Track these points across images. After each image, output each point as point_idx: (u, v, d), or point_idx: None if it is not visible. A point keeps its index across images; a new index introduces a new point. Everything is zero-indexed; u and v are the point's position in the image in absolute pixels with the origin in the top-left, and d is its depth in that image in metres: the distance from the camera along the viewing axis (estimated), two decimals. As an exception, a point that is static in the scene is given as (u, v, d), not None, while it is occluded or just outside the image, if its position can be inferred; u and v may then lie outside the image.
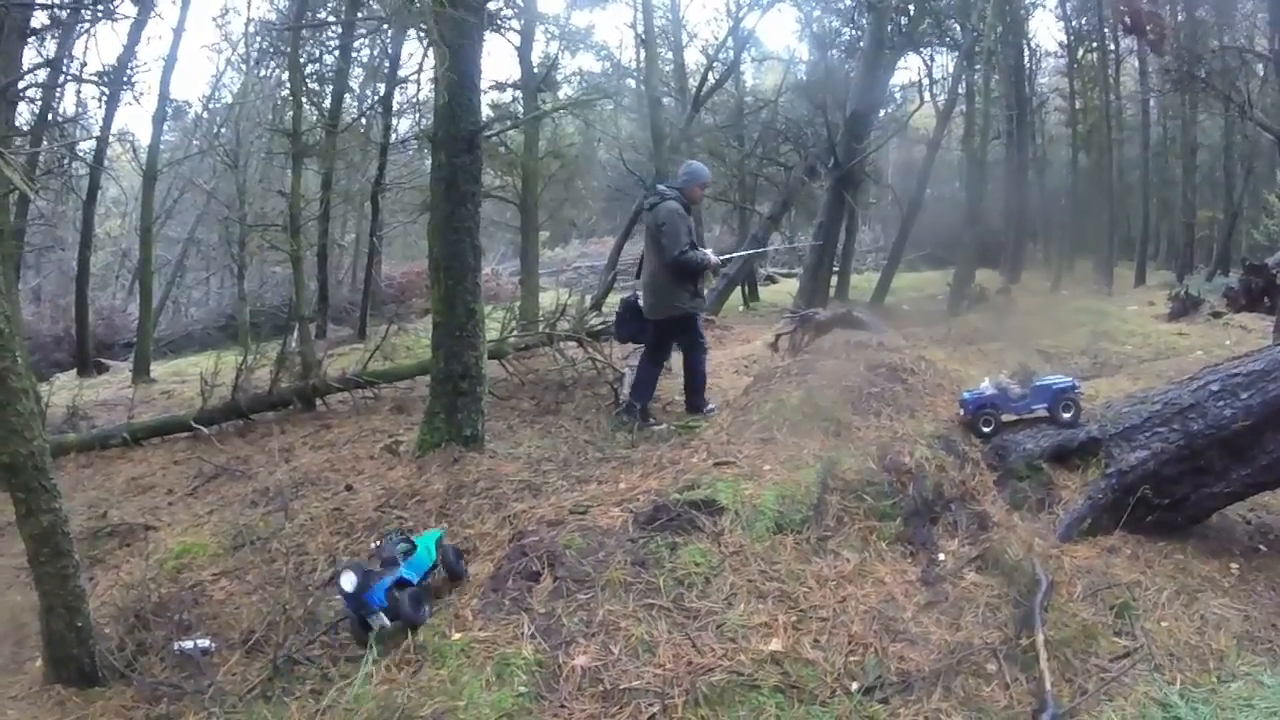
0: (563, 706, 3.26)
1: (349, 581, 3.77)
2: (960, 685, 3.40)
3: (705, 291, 6.90)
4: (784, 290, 19.87)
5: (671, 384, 7.55)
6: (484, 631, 3.67)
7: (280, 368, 8.84)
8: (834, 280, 16.87)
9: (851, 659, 3.49)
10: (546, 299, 12.95)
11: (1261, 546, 4.69)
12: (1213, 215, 20.27)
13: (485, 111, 8.94)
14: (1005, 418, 5.03)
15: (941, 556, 4.25)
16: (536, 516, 4.47)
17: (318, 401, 8.75)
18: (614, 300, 16.94)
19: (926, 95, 21.41)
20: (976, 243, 16.84)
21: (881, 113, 18.96)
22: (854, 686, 3.35)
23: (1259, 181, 18.96)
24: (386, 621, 3.81)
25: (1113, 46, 20.03)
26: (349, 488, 5.78)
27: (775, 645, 3.48)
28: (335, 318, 18.75)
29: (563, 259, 28.75)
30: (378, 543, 4.28)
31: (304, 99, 12.44)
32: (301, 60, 13.71)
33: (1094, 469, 4.69)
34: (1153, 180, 21.37)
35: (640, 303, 6.86)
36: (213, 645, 4.15)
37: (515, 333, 9.35)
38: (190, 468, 7.19)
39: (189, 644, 4.14)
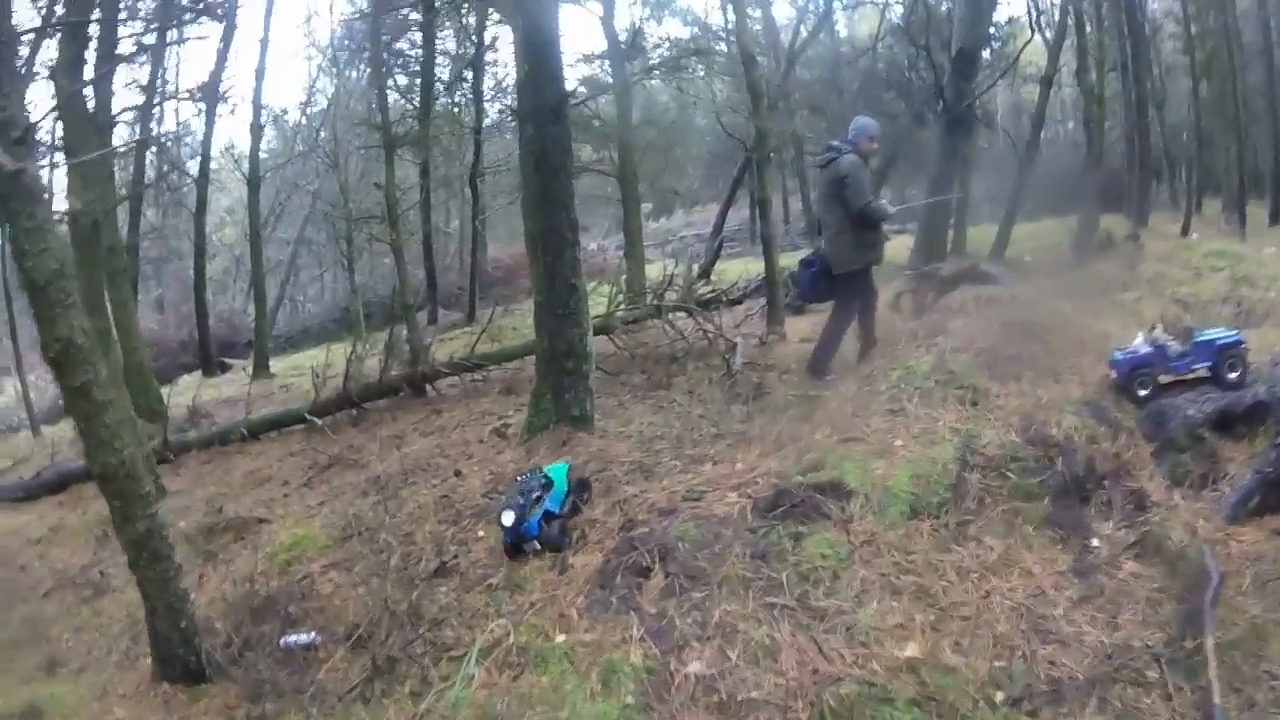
0: (673, 719, 3.00)
1: (509, 518, 4.23)
2: (1118, 695, 3.01)
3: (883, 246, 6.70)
4: (898, 246, 18.95)
5: (788, 350, 7.19)
6: (589, 634, 3.44)
7: (389, 356, 8.87)
8: (950, 235, 16.05)
9: (997, 664, 3.13)
10: (653, 271, 12.68)
11: None
12: None
13: (572, 84, 8.70)
14: (1163, 379, 4.56)
15: (1095, 542, 3.83)
16: (648, 503, 4.24)
17: (428, 387, 8.76)
18: (722, 267, 16.84)
19: (1034, 28, 19.99)
20: (1098, 186, 15.67)
21: (988, 51, 17.86)
22: (999, 697, 2.99)
23: None
24: (539, 547, 4.24)
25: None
26: (457, 473, 5.69)
27: (911, 650, 3.15)
28: (445, 303, 18.88)
29: (668, 229, 28.39)
30: (520, 477, 4.65)
31: (391, 90, 12.43)
32: (385, 55, 13.74)
33: (1262, 437, 4.17)
34: None
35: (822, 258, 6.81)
36: (318, 639, 4.10)
37: (622, 306, 9.15)
38: (305, 459, 7.23)
39: (295, 639, 4.10)
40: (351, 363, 8.66)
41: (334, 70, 19.70)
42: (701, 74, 20.50)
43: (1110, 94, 18.01)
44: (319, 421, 8.15)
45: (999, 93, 20.79)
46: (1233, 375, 4.40)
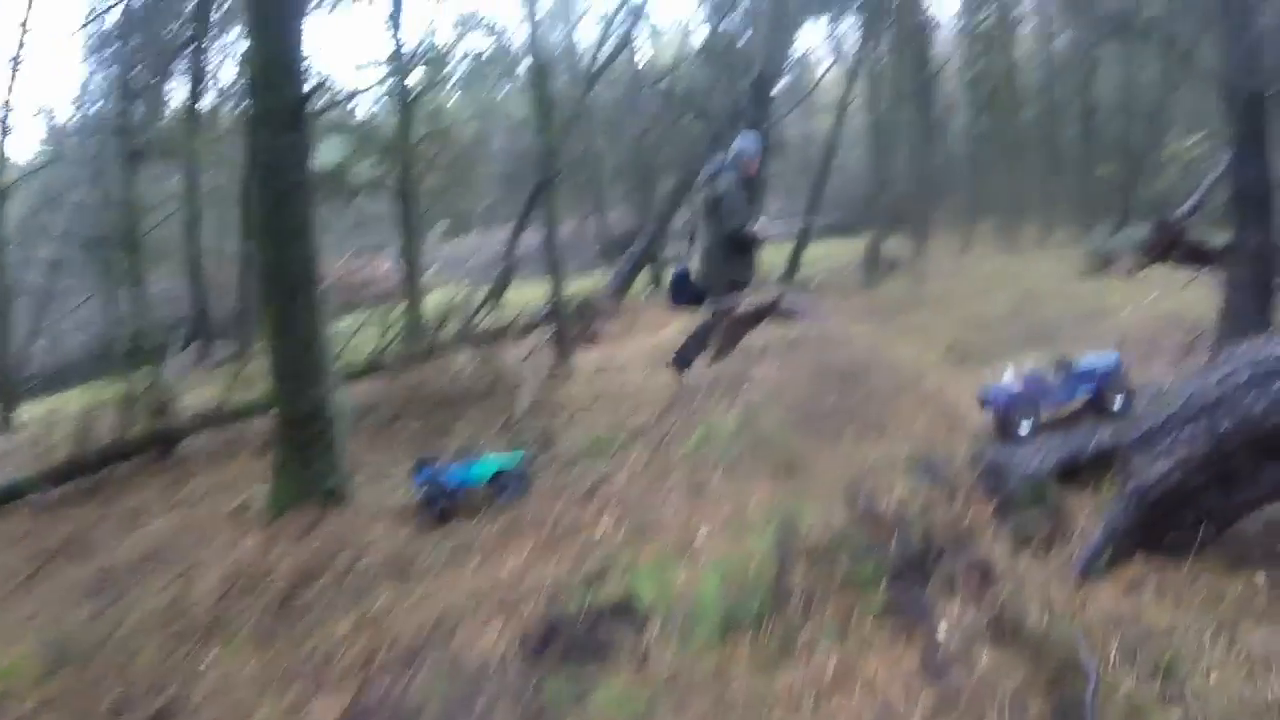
0: None
1: None
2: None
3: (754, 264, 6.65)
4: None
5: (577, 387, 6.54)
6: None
7: (131, 409, 7.56)
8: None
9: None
10: (443, 297, 11.66)
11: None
12: (1113, 169, 20.19)
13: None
14: (1044, 413, 4.14)
15: (943, 629, 3.18)
16: (393, 633, 3.22)
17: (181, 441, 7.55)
18: (519, 292, 15.93)
19: (830, 60, 20.70)
20: (885, 209, 16.19)
21: (784, 81, 18.17)
22: None
23: (1158, 136, 18.85)
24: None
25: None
26: (193, 567, 4.67)
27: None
28: (223, 333, 16.86)
29: (465, 250, 27.20)
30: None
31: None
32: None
33: (1109, 486, 3.75)
34: (1057, 139, 21.25)
35: (691, 272, 6.77)
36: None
37: (397, 343, 8.12)
38: (30, 545, 6.02)
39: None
40: (89, 419, 7.39)
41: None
42: (502, 90, 19.76)
43: (898, 124, 18.88)
44: (55, 491, 6.85)
45: (792, 120, 21.28)
46: (1118, 402, 4.07)
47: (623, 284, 15.24)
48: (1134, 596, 3.47)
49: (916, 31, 17.69)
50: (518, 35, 20.04)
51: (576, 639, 2.88)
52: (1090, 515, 3.68)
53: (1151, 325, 8.58)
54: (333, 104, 11.14)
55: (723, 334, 5.89)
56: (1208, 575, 3.61)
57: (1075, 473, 3.80)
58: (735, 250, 6.32)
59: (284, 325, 4.71)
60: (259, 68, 4.75)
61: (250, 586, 4.19)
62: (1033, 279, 12.33)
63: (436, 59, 14.59)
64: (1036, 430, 4.05)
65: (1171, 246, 12.06)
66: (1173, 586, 3.54)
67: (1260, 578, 3.65)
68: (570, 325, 9.57)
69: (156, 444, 7.42)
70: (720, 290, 6.32)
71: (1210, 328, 7.45)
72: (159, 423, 7.51)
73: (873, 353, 4.66)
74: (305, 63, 5.20)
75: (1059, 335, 8.55)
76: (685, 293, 6.94)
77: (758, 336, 5.11)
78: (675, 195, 16.30)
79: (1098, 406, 4.08)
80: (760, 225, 6.46)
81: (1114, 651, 3.15)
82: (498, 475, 4.68)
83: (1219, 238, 10.37)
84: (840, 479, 3.62)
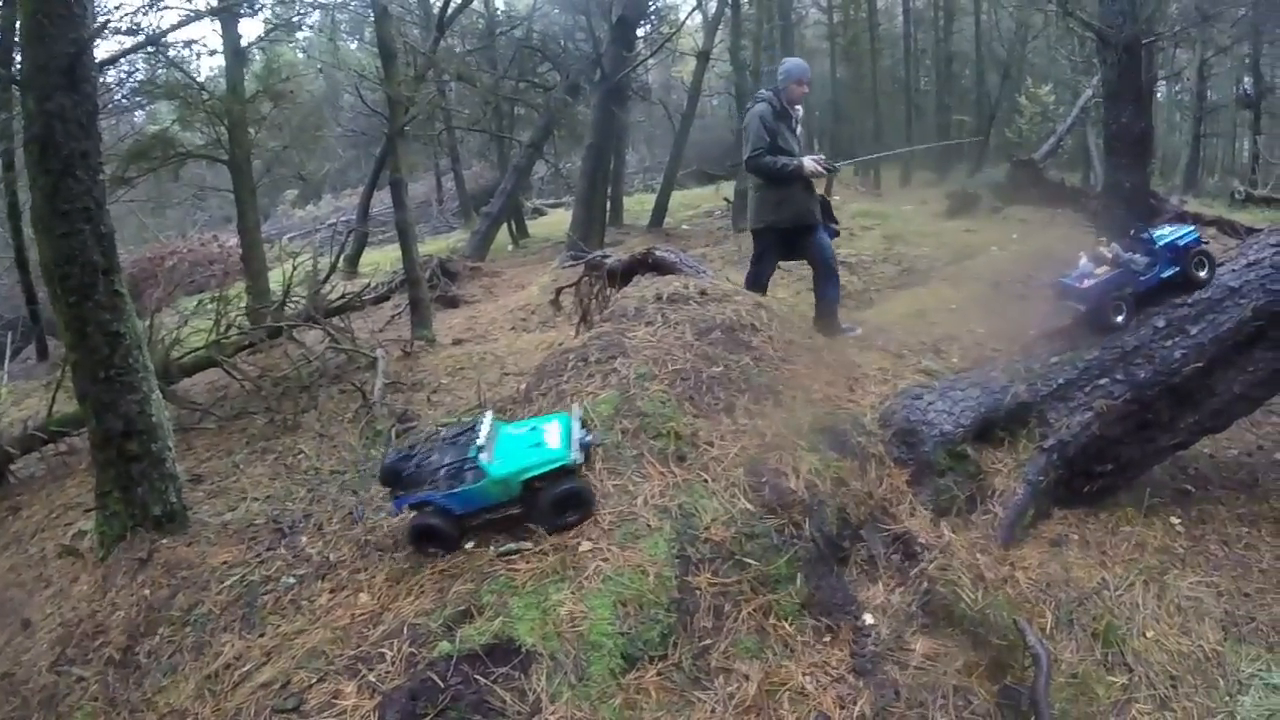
0: None
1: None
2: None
3: (809, 205, 5.57)
4: (554, 224, 18.07)
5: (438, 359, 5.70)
6: None
7: None
8: (607, 205, 15.50)
9: None
10: (289, 270, 10.55)
11: (1188, 487, 4.04)
12: (964, 121, 20.80)
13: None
14: (1136, 295, 3.82)
15: (869, 620, 2.82)
16: (235, 706, 2.56)
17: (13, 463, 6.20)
18: (372, 259, 14.92)
19: (691, 6, 20.14)
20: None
21: (647, 28, 17.54)
22: None
23: (1012, 86, 19.65)
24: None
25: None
26: (25, 624, 3.85)
27: None
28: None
29: (315, 217, 25.44)
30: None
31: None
32: None
33: (1026, 442, 3.50)
34: (915, 87, 21.90)
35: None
36: None
37: (235, 329, 7.17)
38: None
39: None
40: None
41: None
42: (332, 37, 18.27)
43: (761, 71, 18.69)
44: None
45: (654, 68, 20.82)
46: (1202, 273, 3.73)
47: (481, 243, 14.48)
48: (1060, 556, 3.35)
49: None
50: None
51: (449, 696, 2.26)
52: (1010, 475, 3.41)
53: (1024, 262, 8.56)
54: (130, 52, 9.65)
55: (592, 291, 5.34)
56: (1127, 524, 3.58)
57: (992, 431, 3.50)
58: (771, 185, 5.46)
59: (80, 326, 3.82)
60: (29, 12, 3.76)
61: (87, 643, 3.46)
62: (899, 221, 12.45)
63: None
64: (1131, 318, 3.73)
65: (1030, 186, 12.61)
66: (1096, 540, 3.46)
67: (1176, 519, 3.68)
68: (426, 291, 8.79)
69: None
70: (762, 233, 5.59)
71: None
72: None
73: (756, 307, 4.17)
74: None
75: (933, 274, 8.48)
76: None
77: (632, 295, 4.52)
78: (532, 148, 15.59)
79: (1185, 280, 3.76)
80: (809, 160, 5.40)
81: (1050, 621, 3.02)
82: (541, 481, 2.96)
83: (1072, 178, 10.56)
84: (738, 461, 3.12)
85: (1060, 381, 3.52)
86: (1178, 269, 3.74)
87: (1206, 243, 3.88)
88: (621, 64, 14.01)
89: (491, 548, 2.82)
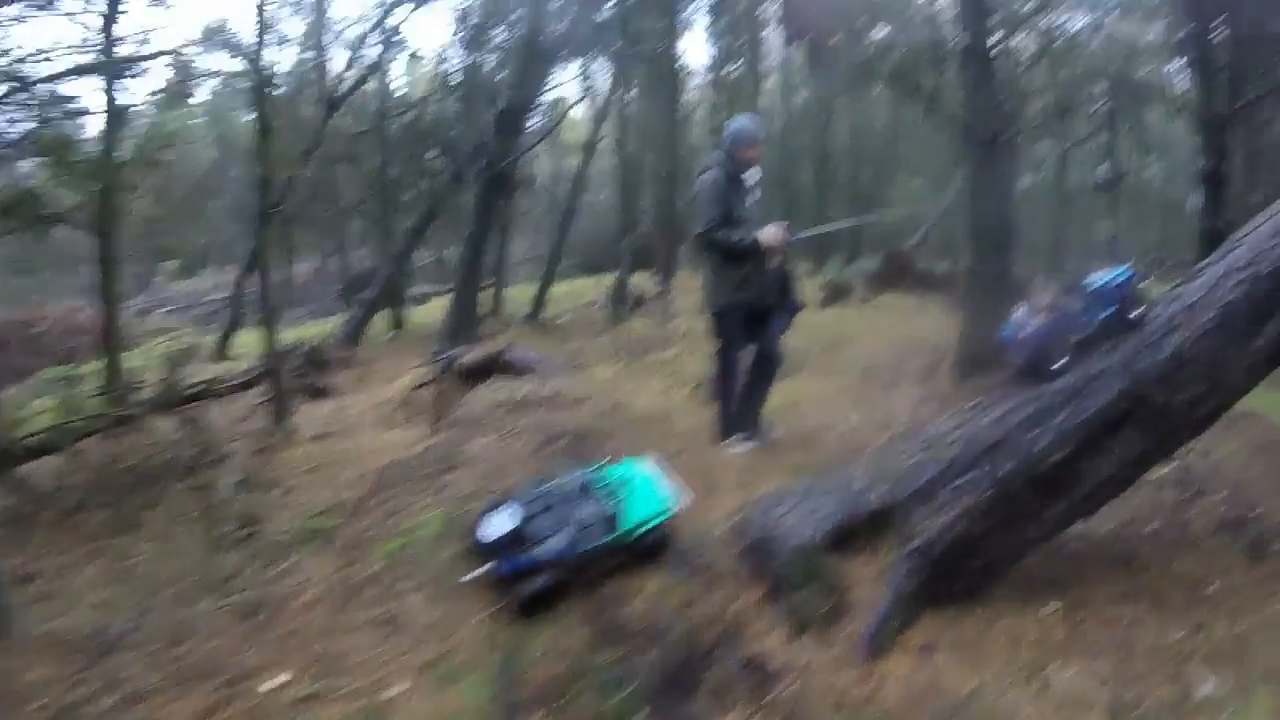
0: None
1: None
2: None
3: (770, 281, 5.04)
4: (437, 311, 17.76)
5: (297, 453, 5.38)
6: None
7: None
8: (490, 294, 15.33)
9: None
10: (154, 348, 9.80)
11: (1065, 570, 3.74)
12: (839, 214, 21.63)
13: None
14: (1075, 339, 3.68)
15: (720, 755, 2.53)
16: None
17: None
18: (249, 340, 14.23)
19: (579, 98, 20.47)
20: (632, 246, 16.14)
21: (534, 120, 17.71)
22: None
23: (884, 182, 21.05)
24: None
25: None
26: None
27: None
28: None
29: (195, 291, 24.32)
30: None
31: None
32: None
33: (887, 549, 3.29)
34: (794, 181, 22.31)
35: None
36: None
37: (87, 408, 6.64)
38: None
39: None
40: None
41: None
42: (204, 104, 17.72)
43: (646, 164, 19.02)
44: None
45: (541, 158, 20.97)
46: (1135, 313, 3.63)
47: (356, 329, 13.99)
48: (931, 663, 3.08)
49: (667, 78, 17.90)
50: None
51: None
52: (873, 582, 3.19)
53: (894, 349, 8.71)
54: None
55: (443, 391, 5.04)
56: (1002, 619, 3.34)
57: (851, 537, 3.30)
58: (728, 260, 4.97)
59: None
60: None
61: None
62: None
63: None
64: (1072, 364, 3.61)
65: (902, 274, 13.09)
66: (969, 640, 3.22)
67: (1054, 606, 3.45)
68: (292, 379, 8.30)
69: None
70: (727, 316, 5.03)
71: (949, 350, 7.65)
72: None
73: (613, 411, 3.95)
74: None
75: (806, 364, 8.49)
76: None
77: (483, 396, 4.25)
78: (414, 233, 15.33)
79: (1120, 321, 3.66)
80: (770, 230, 4.93)
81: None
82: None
83: (942, 266, 10.94)
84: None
85: (922, 481, 3.36)
86: (1113, 310, 3.69)
87: (1141, 283, 3.84)
88: (505, 154, 13.98)
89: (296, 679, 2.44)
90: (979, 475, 3.31)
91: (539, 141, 17.10)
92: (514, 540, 2.94)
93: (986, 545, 3.34)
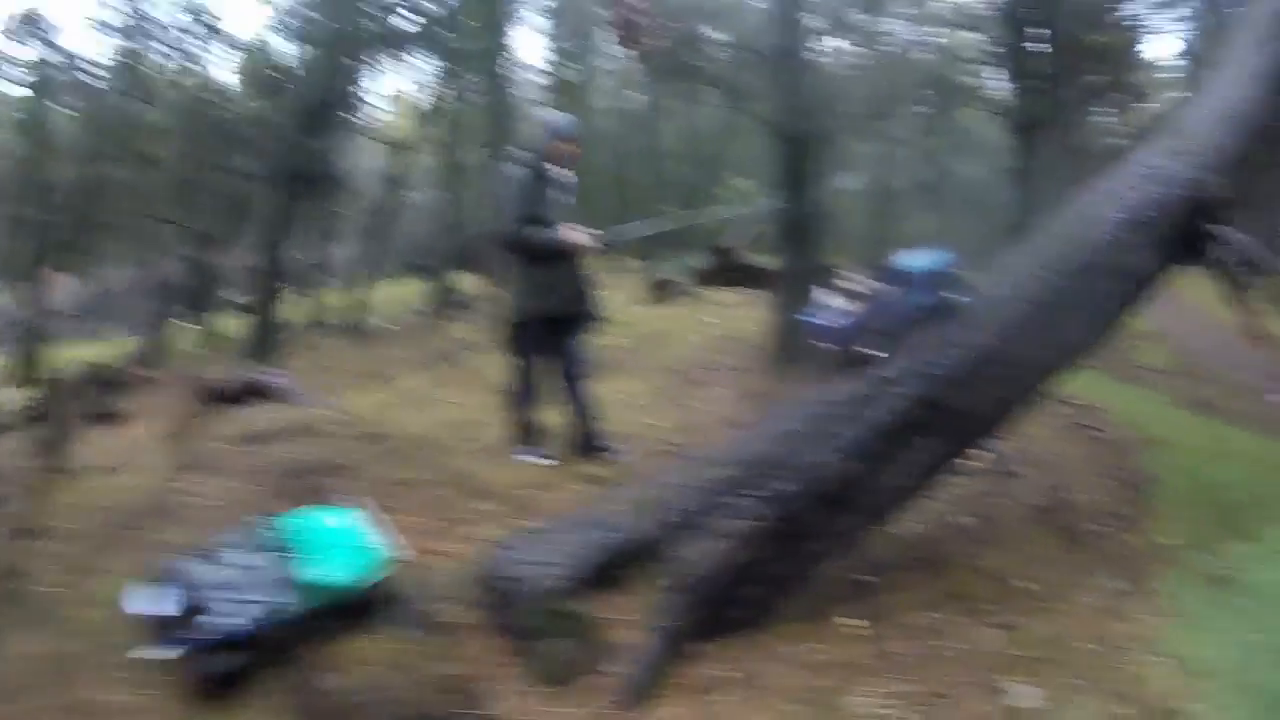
0: None
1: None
2: None
3: (581, 289, 4.61)
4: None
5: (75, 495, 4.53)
6: None
7: None
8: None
9: None
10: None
11: (868, 578, 3.40)
12: (672, 209, 21.87)
13: None
14: (894, 329, 3.38)
15: None
16: None
17: None
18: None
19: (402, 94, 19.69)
20: (457, 249, 15.52)
21: (353, 117, 16.79)
22: None
23: (715, 177, 21.71)
24: None
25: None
26: None
27: None
28: None
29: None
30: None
31: None
32: None
33: (646, 584, 2.91)
34: (627, 181, 22.44)
35: None
36: None
37: None
38: None
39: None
40: None
41: None
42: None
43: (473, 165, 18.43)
44: None
45: (362, 157, 20.06)
46: (955, 300, 3.38)
47: (157, 346, 12.81)
48: (712, 705, 2.69)
49: (497, 75, 17.37)
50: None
51: None
52: (636, 625, 2.80)
53: (715, 346, 8.53)
54: None
55: (185, 423, 4.40)
56: (793, 646, 2.96)
57: (610, 573, 2.89)
58: (534, 264, 4.52)
59: None
60: None
61: None
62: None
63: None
64: (889, 352, 3.29)
65: (728, 270, 13.07)
66: (758, 672, 2.83)
67: (852, 625, 3.12)
68: (71, 408, 7.32)
69: None
70: (526, 327, 4.55)
71: (764, 346, 7.60)
72: None
73: (373, 439, 3.45)
74: None
75: (622, 365, 8.14)
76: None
77: (225, 429, 3.67)
78: (223, 236, 14.31)
79: (936, 310, 3.37)
80: (576, 234, 4.52)
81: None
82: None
83: (774, 262, 10.93)
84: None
85: (690, 508, 3.00)
86: (931, 296, 3.42)
87: (961, 270, 3.60)
88: (316, 152, 13.11)
89: None
90: (755, 497, 2.97)
91: (350, 140, 16.22)
92: (182, 614, 2.40)
93: (766, 570, 3.01)
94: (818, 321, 3.40)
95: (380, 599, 2.61)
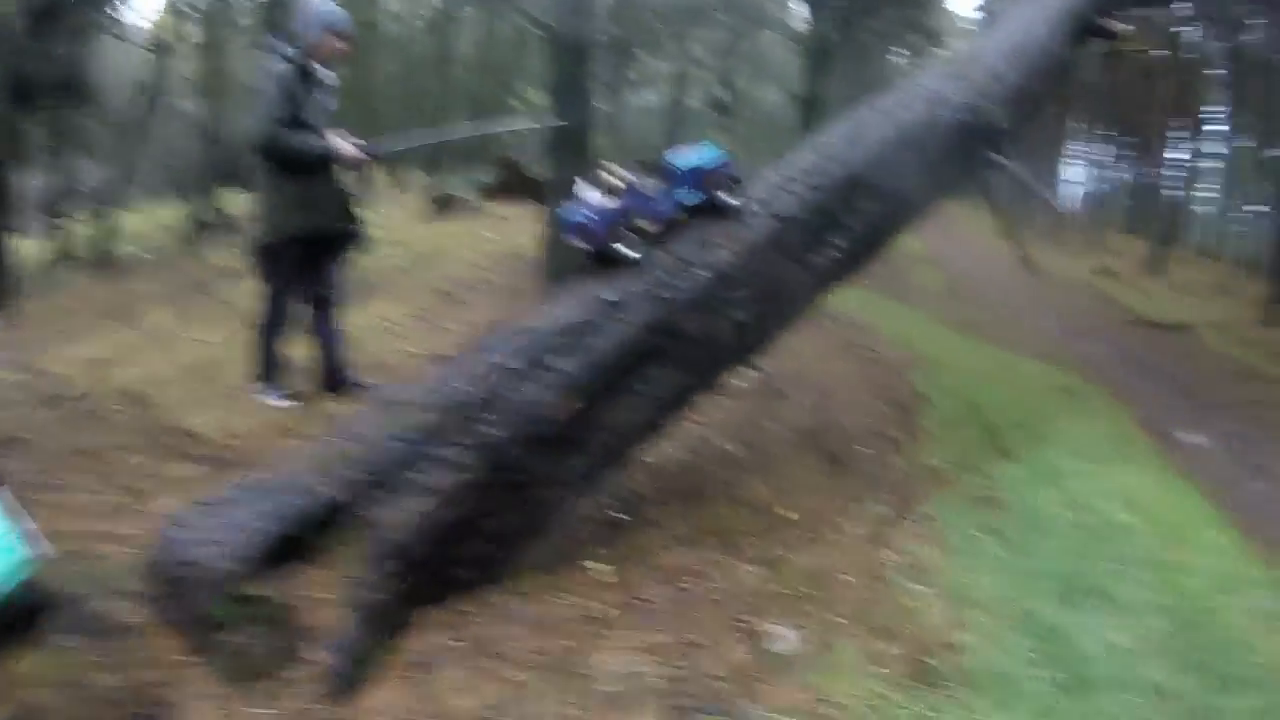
0: None
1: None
2: None
3: (342, 206, 4.15)
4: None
5: None
6: None
7: None
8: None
9: None
10: None
11: (620, 515, 3.27)
12: (460, 121, 21.22)
13: None
14: (651, 227, 3.08)
15: None
16: None
17: None
18: None
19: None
20: (221, 164, 14.12)
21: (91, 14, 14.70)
22: None
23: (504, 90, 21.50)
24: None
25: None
26: None
27: None
28: None
29: None
30: None
31: None
32: None
33: (347, 554, 2.57)
34: (415, 90, 21.76)
35: None
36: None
37: None
38: None
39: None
40: None
41: None
42: None
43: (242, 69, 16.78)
44: None
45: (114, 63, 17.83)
46: (730, 200, 3.16)
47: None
48: (432, 682, 2.41)
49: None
50: None
51: None
52: (335, 603, 2.49)
53: (490, 263, 8.21)
54: None
55: None
56: (529, 606, 2.72)
57: (299, 550, 2.55)
58: (287, 175, 3.95)
59: None
60: None
61: None
62: (375, 228, 11.39)
63: None
64: (646, 250, 3.02)
65: (514, 184, 12.74)
66: (487, 638, 2.56)
67: (600, 573, 2.93)
68: None
69: None
70: (280, 249, 4.03)
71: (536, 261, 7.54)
72: None
73: (55, 402, 2.92)
74: None
75: (387, 286, 7.64)
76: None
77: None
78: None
79: (713, 208, 3.15)
80: (343, 143, 3.97)
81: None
82: None
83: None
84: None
85: (382, 464, 2.67)
86: (702, 195, 3.17)
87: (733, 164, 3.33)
88: (43, 55, 11.36)
89: None
90: (464, 448, 2.69)
91: (100, 42, 14.30)
92: None
93: (490, 523, 2.75)
94: (571, 218, 3.07)
95: (29, 606, 2.19)
